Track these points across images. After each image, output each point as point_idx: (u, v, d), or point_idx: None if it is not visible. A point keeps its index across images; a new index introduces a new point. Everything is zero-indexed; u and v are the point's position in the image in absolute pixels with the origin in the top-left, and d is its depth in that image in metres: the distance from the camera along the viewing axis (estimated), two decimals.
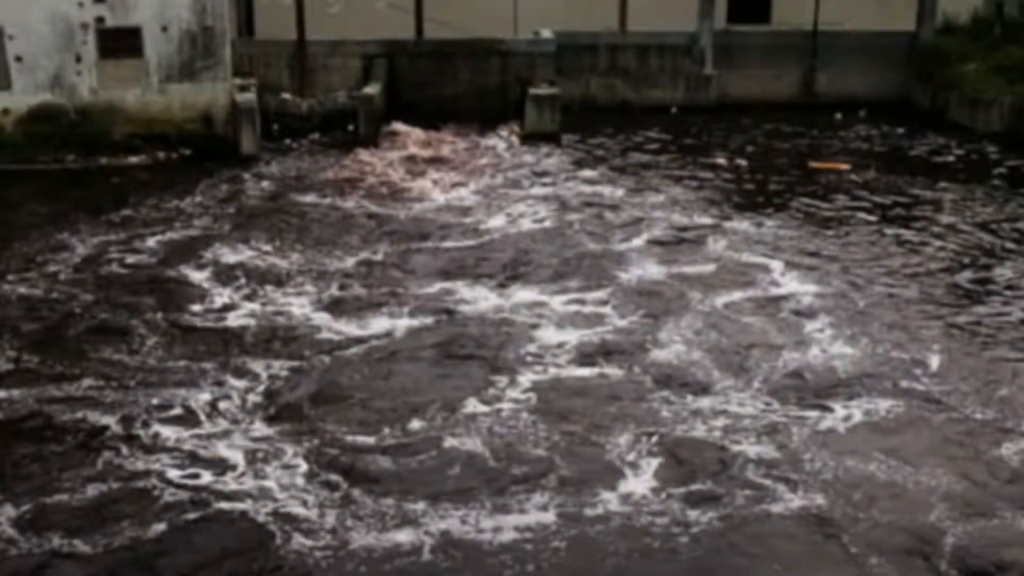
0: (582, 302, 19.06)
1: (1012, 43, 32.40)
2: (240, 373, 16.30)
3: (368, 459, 14.05)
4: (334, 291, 19.53)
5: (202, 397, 15.55)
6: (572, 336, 17.66)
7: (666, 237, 22.49)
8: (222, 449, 14.25)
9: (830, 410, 15.35)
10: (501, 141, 30.02)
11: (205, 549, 12.31)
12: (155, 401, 15.41)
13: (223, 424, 14.88)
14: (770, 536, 12.68)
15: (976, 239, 22.62)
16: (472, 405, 15.41)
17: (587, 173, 27.21)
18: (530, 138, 30.09)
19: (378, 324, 18.10)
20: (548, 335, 17.70)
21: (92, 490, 13.30)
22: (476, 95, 31.74)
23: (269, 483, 13.51)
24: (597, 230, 22.90)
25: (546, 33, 32.27)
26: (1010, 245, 22.28)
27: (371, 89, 29.96)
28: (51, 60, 27.24)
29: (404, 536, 12.54)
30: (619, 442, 14.46)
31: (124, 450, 14.19)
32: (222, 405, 15.36)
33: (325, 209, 24.22)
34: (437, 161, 28.16)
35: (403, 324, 18.11)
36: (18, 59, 27.13)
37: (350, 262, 20.97)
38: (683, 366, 16.67)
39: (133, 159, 27.58)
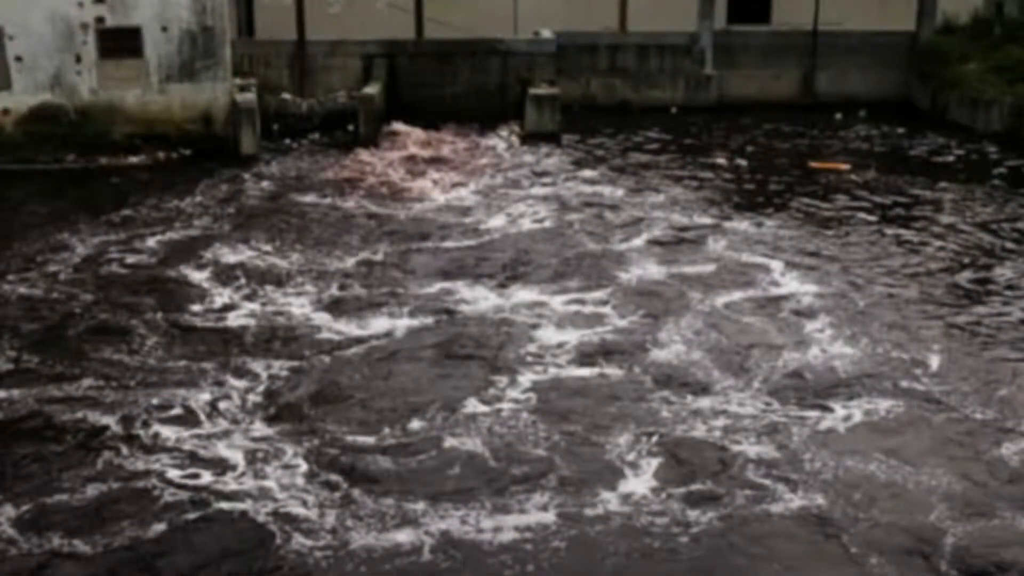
0: (582, 302, 19.06)
1: (1012, 43, 32.40)
2: (240, 373, 16.30)
3: (368, 459, 14.05)
4: (334, 291, 19.53)
5: (202, 397, 15.55)
6: (572, 336, 17.66)
7: (666, 237, 22.49)
8: (222, 449, 14.25)
9: (830, 410, 15.35)
10: (501, 141, 30.03)
11: (205, 549, 12.31)
12: (155, 401, 15.41)
13: (223, 424, 14.89)
14: (770, 536, 12.67)
15: (976, 239, 22.62)
16: (472, 405, 15.41)
17: (587, 173, 27.21)
18: (530, 138, 30.10)
19: (378, 324, 18.10)
20: (548, 335, 17.70)
21: (92, 490, 13.30)
22: (476, 95, 31.74)
23: (269, 483, 13.51)
24: (597, 230, 22.90)
25: (546, 33, 32.28)
26: (1010, 245, 22.28)
27: (371, 89, 29.96)
28: (51, 60, 27.26)
29: (404, 536, 12.54)
30: (619, 442, 14.46)
31: (124, 450, 14.19)
32: (222, 405, 15.36)
33: (325, 209, 24.22)
34: (437, 161, 28.16)
35: (403, 324, 18.11)
36: (18, 59, 27.15)
37: (350, 262, 20.98)
38: (683, 366, 16.68)
39: (133, 159, 27.59)
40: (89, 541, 12.35)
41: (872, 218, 24.09)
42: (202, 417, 15.04)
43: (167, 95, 27.94)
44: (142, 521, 12.71)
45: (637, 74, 33.77)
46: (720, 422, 14.99)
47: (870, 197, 25.59)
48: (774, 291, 19.67)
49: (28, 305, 18.74)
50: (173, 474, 13.66)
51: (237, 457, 14.06)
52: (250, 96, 28.33)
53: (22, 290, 19.38)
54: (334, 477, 13.64)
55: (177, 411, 15.17)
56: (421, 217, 23.78)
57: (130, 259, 21.00)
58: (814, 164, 28.51)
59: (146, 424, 14.82)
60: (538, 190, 25.74)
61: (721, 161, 28.63)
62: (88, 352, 16.92)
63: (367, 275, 20.35)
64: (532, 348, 17.22)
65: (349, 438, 14.57)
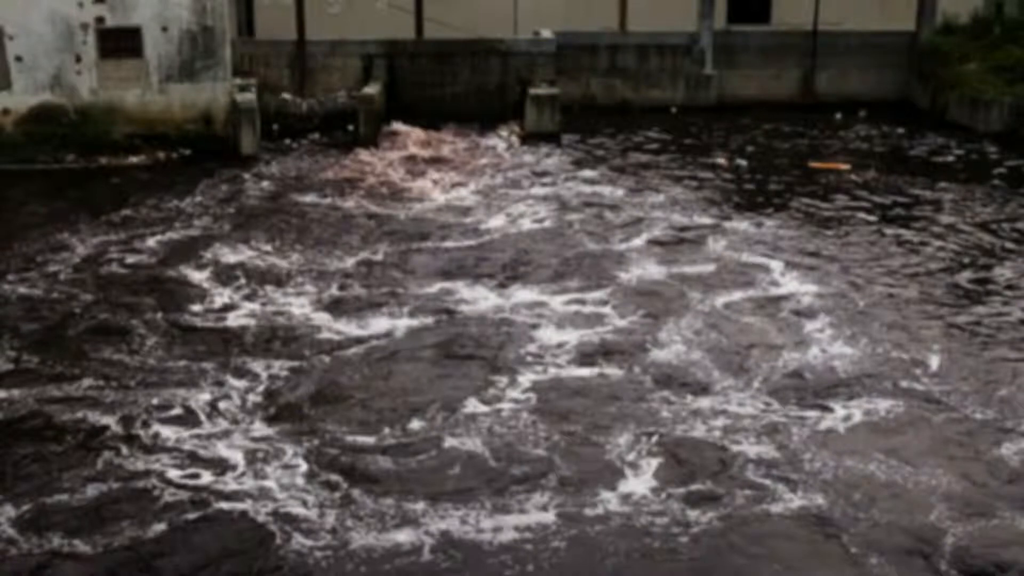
0: (582, 302, 19.06)
1: (1012, 43, 32.39)
2: (240, 373, 16.30)
3: (368, 459, 14.06)
4: (334, 291, 19.53)
5: (202, 397, 15.55)
6: (572, 336, 17.66)
7: (666, 237, 22.48)
8: (222, 449, 14.25)
9: (830, 410, 15.36)
10: (501, 141, 30.02)
11: (205, 549, 12.31)
12: (155, 401, 15.41)
13: (223, 424, 14.89)
14: (770, 536, 12.68)
15: (976, 239, 22.62)
16: (472, 405, 15.41)
17: (587, 173, 27.21)
18: (530, 138, 30.10)
19: (378, 324, 18.10)
20: (548, 335, 17.70)
21: (92, 490, 13.30)
22: (476, 95, 31.74)
23: (269, 483, 13.52)
24: (597, 230, 22.90)
25: (546, 33, 32.27)
26: (1010, 245, 22.28)
27: (371, 89, 29.97)
28: (51, 60, 27.25)
29: (404, 536, 12.54)
30: (619, 442, 14.46)
31: (124, 450, 14.20)
32: (222, 405, 15.36)
33: (325, 209, 24.22)
34: (437, 161, 28.16)
35: (403, 324, 18.11)
36: (18, 59, 27.14)
37: (350, 262, 20.98)
38: (683, 366, 16.68)
39: (133, 159, 27.59)
40: (89, 541, 12.36)
41: (872, 218, 24.09)
42: (202, 417, 15.04)
43: (167, 95, 27.93)
44: (142, 521, 12.71)
45: (637, 74, 33.75)
46: (720, 422, 14.99)
47: (870, 197, 25.59)
48: (774, 291, 19.67)
49: (28, 305, 18.74)
50: (173, 474, 13.67)
51: (237, 457, 14.06)
52: (250, 96, 28.33)
53: (22, 290, 19.38)
54: (334, 477, 13.64)
55: (177, 411, 15.18)
56: (421, 217, 23.78)
57: (130, 259, 21.00)
58: (814, 164, 28.51)
59: (146, 424, 14.82)
60: (538, 190, 25.74)
61: (721, 161, 28.63)
62: (88, 352, 16.92)
63: (367, 275, 20.35)
64: (532, 348, 17.23)
65: (349, 438, 14.57)
